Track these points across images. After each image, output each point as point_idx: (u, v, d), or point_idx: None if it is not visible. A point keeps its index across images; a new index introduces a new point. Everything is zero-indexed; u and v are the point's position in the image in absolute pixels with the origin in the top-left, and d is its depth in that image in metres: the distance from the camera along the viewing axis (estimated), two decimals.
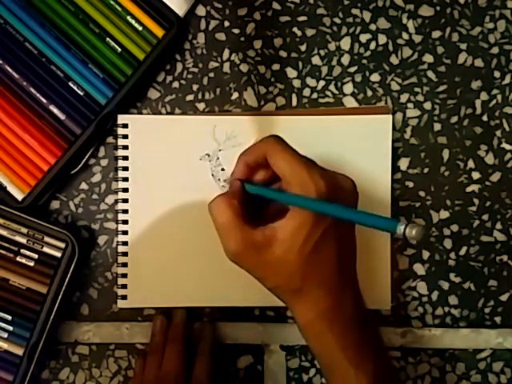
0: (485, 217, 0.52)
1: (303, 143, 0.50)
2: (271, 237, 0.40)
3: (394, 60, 0.52)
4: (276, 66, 0.52)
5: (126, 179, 0.50)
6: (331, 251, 0.40)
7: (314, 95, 0.52)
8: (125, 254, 0.50)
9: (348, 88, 0.52)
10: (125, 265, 0.50)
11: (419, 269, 0.52)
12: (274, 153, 0.41)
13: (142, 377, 0.49)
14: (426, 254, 0.52)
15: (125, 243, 0.50)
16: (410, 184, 0.52)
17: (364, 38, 0.52)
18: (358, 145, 0.50)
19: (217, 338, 0.52)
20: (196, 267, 0.50)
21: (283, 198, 0.41)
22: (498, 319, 0.52)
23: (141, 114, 0.52)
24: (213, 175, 0.50)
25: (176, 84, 0.52)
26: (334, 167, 0.50)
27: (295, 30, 0.52)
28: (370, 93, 0.52)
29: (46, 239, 0.49)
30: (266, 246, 0.40)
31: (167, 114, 0.52)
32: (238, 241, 0.40)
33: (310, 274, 0.40)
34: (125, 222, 0.50)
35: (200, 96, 0.52)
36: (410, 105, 0.52)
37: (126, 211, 0.50)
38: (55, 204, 0.52)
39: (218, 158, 0.50)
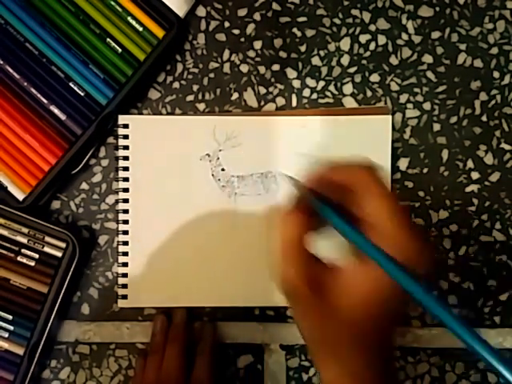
0: (484, 217, 0.52)
1: (303, 143, 0.51)
2: (334, 283, 0.34)
3: (394, 60, 0.52)
4: (276, 67, 0.52)
5: (126, 179, 0.50)
6: (385, 328, 0.35)
7: (314, 95, 0.52)
8: (125, 253, 0.50)
9: (348, 88, 0.52)
10: (125, 264, 0.50)
11: None
12: (369, 195, 0.34)
13: (142, 377, 0.49)
14: None
15: (125, 243, 0.50)
16: (410, 184, 0.52)
17: (364, 38, 0.52)
18: (357, 145, 0.51)
19: (217, 338, 0.52)
20: (196, 267, 0.51)
21: (365, 246, 0.33)
22: (497, 319, 0.52)
23: (141, 114, 0.52)
24: (213, 175, 0.50)
25: (176, 84, 0.52)
26: None
27: (295, 30, 0.52)
28: (369, 93, 0.52)
29: (47, 239, 0.49)
30: (328, 288, 0.34)
31: (167, 114, 0.52)
32: (297, 268, 0.34)
33: (353, 341, 0.34)
34: (125, 221, 0.50)
35: (200, 96, 0.52)
36: (410, 105, 0.52)
37: (126, 211, 0.50)
38: (56, 204, 0.52)
39: (218, 158, 0.50)
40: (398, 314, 0.35)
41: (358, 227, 0.34)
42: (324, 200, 0.35)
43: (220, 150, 0.50)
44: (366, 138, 0.50)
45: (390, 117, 0.51)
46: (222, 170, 0.50)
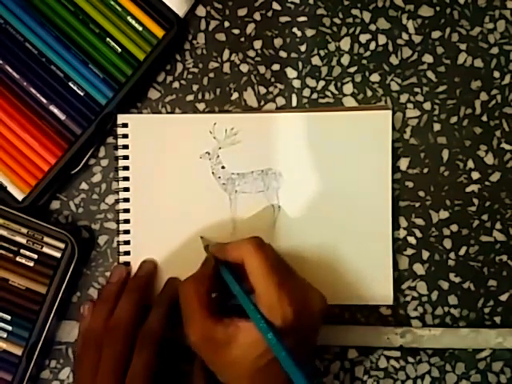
0: (484, 217, 0.52)
1: (303, 141, 0.51)
2: (232, 337, 0.41)
3: (394, 60, 0.52)
4: (276, 67, 0.52)
5: (126, 178, 0.50)
6: (281, 372, 0.40)
7: (314, 95, 0.52)
8: (127, 253, 0.50)
9: (348, 88, 0.52)
10: (127, 264, 0.50)
11: (419, 269, 0.52)
12: (250, 261, 0.42)
13: (88, 322, 0.48)
14: (425, 254, 0.52)
15: (127, 242, 0.50)
16: (410, 184, 0.52)
17: (364, 38, 0.52)
18: (357, 142, 0.50)
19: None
20: (197, 266, 0.50)
21: (248, 309, 0.41)
22: (497, 319, 0.52)
23: (141, 114, 0.52)
24: (213, 173, 0.50)
25: (176, 84, 0.52)
26: (334, 167, 0.50)
27: (295, 30, 0.52)
28: (369, 93, 0.52)
29: (46, 239, 0.49)
30: (225, 344, 0.41)
31: (167, 114, 0.52)
32: (198, 333, 0.41)
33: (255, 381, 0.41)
34: (126, 221, 0.50)
35: (200, 96, 0.52)
36: (410, 105, 0.52)
37: (127, 210, 0.50)
38: (55, 204, 0.52)
39: (218, 156, 0.50)
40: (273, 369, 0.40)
41: (247, 292, 0.42)
42: (228, 267, 0.44)
43: (220, 148, 0.50)
44: (367, 134, 0.50)
45: (390, 112, 0.50)
46: (222, 167, 0.50)
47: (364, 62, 0.52)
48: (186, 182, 0.50)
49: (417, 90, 0.52)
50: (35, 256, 0.49)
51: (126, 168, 0.50)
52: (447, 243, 0.52)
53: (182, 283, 0.44)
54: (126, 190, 0.50)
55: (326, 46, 0.52)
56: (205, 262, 0.46)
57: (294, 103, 0.52)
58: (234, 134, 0.50)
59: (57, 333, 0.52)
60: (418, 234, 0.52)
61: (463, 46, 0.52)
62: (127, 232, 0.50)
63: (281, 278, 0.42)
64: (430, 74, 0.52)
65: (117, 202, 0.51)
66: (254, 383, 0.41)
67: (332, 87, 0.52)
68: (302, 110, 0.51)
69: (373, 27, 0.52)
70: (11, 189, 0.49)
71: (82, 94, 0.50)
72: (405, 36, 0.52)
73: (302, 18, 0.52)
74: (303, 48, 0.52)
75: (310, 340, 0.44)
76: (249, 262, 0.42)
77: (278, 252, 0.45)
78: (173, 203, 0.50)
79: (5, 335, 0.49)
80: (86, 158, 0.51)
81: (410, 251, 0.52)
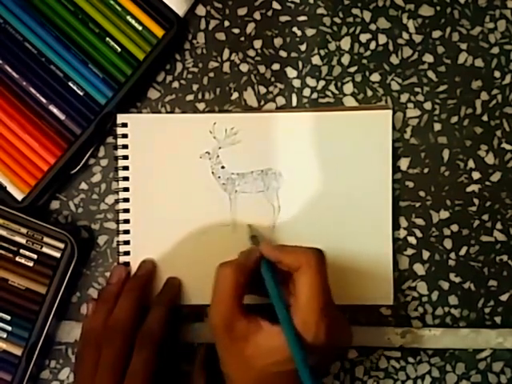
0: (485, 217, 0.52)
1: (303, 141, 0.51)
2: (252, 334, 0.41)
3: (394, 60, 0.52)
4: (276, 66, 0.52)
5: (126, 178, 0.50)
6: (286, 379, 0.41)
7: (314, 95, 0.52)
8: (127, 253, 0.50)
9: (348, 88, 0.52)
10: (127, 264, 0.50)
11: (419, 269, 0.52)
12: (308, 272, 0.41)
13: (89, 321, 0.48)
14: (426, 254, 0.52)
15: (127, 242, 0.50)
16: (410, 184, 0.52)
17: (364, 37, 0.52)
18: (357, 142, 0.50)
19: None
20: (198, 265, 0.50)
21: (281, 315, 0.41)
22: (498, 319, 0.52)
23: (141, 113, 0.52)
24: (213, 173, 0.50)
25: (176, 84, 0.52)
26: (334, 166, 0.50)
27: (295, 29, 0.52)
28: (370, 93, 0.52)
29: (46, 239, 0.49)
30: (242, 338, 0.41)
31: (167, 113, 0.52)
32: (221, 317, 0.41)
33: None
34: (126, 221, 0.50)
35: (200, 96, 0.52)
36: (410, 105, 0.52)
37: (127, 210, 0.50)
38: (55, 204, 0.52)
39: (218, 156, 0.50)
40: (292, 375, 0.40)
41: (284, 297, 0.42)
42: (269, 266, 0.43)
43: (220, 148, 0.50)
44: (367, 134, 0.50)
45: (390, 112, 0.50)
46: (222, 167, 0.50)
47: (364, 61, 0.52)
48: (185, 182, 0.50)
49: (417, 89, 0.52)
50: (35, 256, 0.49)
51: (125, 168, 0.50)
52: (447, 243, 0.52)
53: (222, 266, 0.43)
54: (126, 190, 0.50)
55: (326, 45, 0.52)
56: (249, 253, 0.45)
57: (294, 103, 0.52)
58: (234, 134, 0.50)
59: (56, 333, 0.52)
60: (419, 233, 0.52)
61: (464, 46, 0.52)
62: (127, 232, 0.50)
63: (326, 300, 0.41)
64: (430, 74, 0.52)
65: (117, 202, 0.51)
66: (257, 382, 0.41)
67: (332, 87, 0.52)
68: (302, 110, 0.51)
69: (373, 27, 0.52)
70: (11, 189, 0.49)
71: (81, 93, 0.49)
72: (405, 35, 0.52)
73: (302, 18, 0.52)
74: (303, 47, 0.52)
75: (323, 366, 0.45)
76: (306, 272, 0.41)
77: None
78: (173, 203, 0.50)
79: (5, 335, 0.49)
80: (85, 158, 0.51)
81: (410, 251, 0.52)
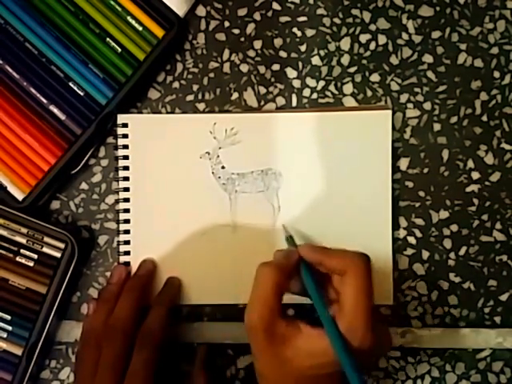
0: (484, 217, 0.52)
1: (303, 141, 0.51)
2: (291, 337, 0.40)
3: (394, 60, 0.52)
4: (276, 66, 0.52)
5: (126, 178, 0.50)
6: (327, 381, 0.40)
7: (314, 95, 0.52)
8: (127, 252, 0.50)
9: (348, 88, 0.52)
10: (127, 264, 0.50)
11: (419, 269, 0.52)
12: (356, 276, 0.40)
13: (90, 321, 0.48)
14: (425, 254, 0.52)
15: (127, 242, 0.50)
16: (410, 184, 0.52)
17: (364, 38, 0.52)
18: (357, 142, 0.50)
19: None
20: (198, 265, 0.51)
21: (323, 319, 0.40)
22: (497, 319, 0.52)
23: (141, 113, 0.52)
24: (213, 173, 0.50)
25: (176, 84, 0.52)
26: (334, 167, 0.50)
27: (295, 30, 0.52)
28: (369, 93, 0.52)
29: (46, 239, 0.49)
30: (281, 340, 0.40)
31: (167, 113, 0.52)
32: (260, 318, 0.40)
33: None
34: (126, 221, 0.50)
35: (200, 96, 0.52)
36: (410, 105, 0.52)
37: (127, 210, 0.50)
38: (55, 204, 0.52)
39: (218, 156, 0.50)
40: (332, 379, 0.40)
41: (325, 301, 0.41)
42: (308, 268, 0.43)
43: (220, 148, 0.50)
44: (367, 134, 0.50)
45: (390, 112, 0.50)
46: (222, 167, 0.50)
47: (364, 61, 0.52)
48: (186, 182, 0.50)
49: (417, 89, 0.52)
50: (35, 256, 0.49)
51: (126, 168, 0.50)
52: (447, 243, 0.52)
53: (263, 265, 0.42)
54: (126, 190, 0.50)
55: (326, 45, 0.52)
56: (287, 254, 0.44)
57: (294, 103, 0.52)
58: (234, 134, 0.50)
59: (57, 333, 0.52)
60: (418, 233, 0.52)
61: (463, 46, 0.52)
62: (127, 232, 0.50)
63: (372, 305, 0.40)
64: (430, 74, 0.52)
65: (117, 202, 0.51)
66: None
67: (332, 87, 0.52)
68: (302, 110, 0.51)
69: (373, 27, 0.52)
70: (11, 189, 0.49)
71: (82, 93, 0.50)
72: (405, 36, 0.52)
73: (302, 18, 0.52)
74: (303, 48, 0.52)
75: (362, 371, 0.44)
76: (354, 276, 0.40)
77: None
78: (173, 203, 0.51)
79: (5, 335, 0.49)
80: (86, 158, 0.51)
81: (409, 251, 0.52)
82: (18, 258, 0.49)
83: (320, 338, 0.39)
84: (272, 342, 0.40)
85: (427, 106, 0.52)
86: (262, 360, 0.41)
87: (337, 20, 0.52)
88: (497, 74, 0.52)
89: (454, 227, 0.52)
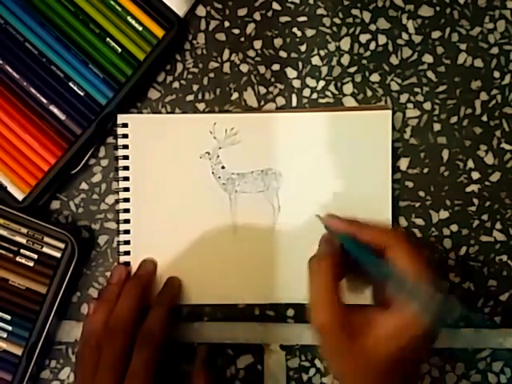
0: (484, 217, 0.52)
1: (302, 141, 0.51)
2: (368, 326, 0.38)
3: (394, 60, 0.52)
4: (276, 66, 0.52)
5: (126, 178, 0.50)
6: (414, 363, 0.39)
7: (314, 95, 0.52)
8: (127, 252, 0.50)
9: (348, 88, 0.52)
10: (127, 264, 0.50)
11: None
12: (399, 250, 0.39)
13: (89, 321, 0.48)
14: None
15: (127, 242, 0.50)
16: (410, 184, 0.52)
17: (364, 38, 0.52)
18: (357, 142, 0.50)
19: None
20: (198, 265, 0.51)
21: (392, 277, 0.38)
22: (497, 319, 0.52)
23: (141, 113, 0.52)
24: (213, 173, 0.50)
25: (176, 84, 0.52)
26: (334, 167, 0.50)
27: (295, 30, 0.52)
28: (369, 93, 0.52)
29: (46, 239, 0.49)
30: (359, 333, 0.38)
31: (167, 113, 0.52)
32: (333, 315, 0.38)
33: (385, 376, 0.38)
34: (126, 221, 0.50)
35: (200, 96, 0.52)
36: (410, 105, 0.52)
37: (127, 210, 0.50)
38: (55, 204, 0.52)
39: (218, 156, 0.50)
40: (420, 354, 0.39)
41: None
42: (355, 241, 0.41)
43: (220, 148, 0.50)
44: (367, 134, 0.50)
45: (390, 112, 0.50)
46: (222, 167, 0.50)
47: (364, 61, 0.52)
48: (186, 182, 0.50)
49: (417, 89, 0.52)
50: (35, 256, 0.49)
51: (126, 168, 0.50)
52: (447, 243, 0.52)
53: (316, 260, 0.41)
54: (126, 190, 0.50)
55: (326, 45, 0.52)
56: (328, 241, 0.43)
57: (294, 103, 0.52)
58: (234, 134, 0.50)
59: (57, 333, 0.52)
60: (418, 233, 0.52)
61: (463, 46, 0.52)
62: (127, 232, 0.50)
63: (431, 266, 0.39)
64: (430, 74, 0.52)
65: (117, 202, 0.51)
66: (382, 376, 0.38)
67: (332, 87, 0.52)
68: (302, 110, 0.51)
69: (373, 27, 0.52)
70: (11, 189, 0.49)
71: (82, 94, 0.50)
72: (405, 36, 0.52)
73: (302, 18, 0.52)
74: (303, 48, 0.52)
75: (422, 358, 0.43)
76: (398, 250, 0.39)
77: None
78: (173, 203, 0.51)
79: (5, 335, 0.49)
80: (86, 158, 0.51)
81: None
82: (17, 258, 0.49)
83: (395, 314, 0.38)
84: (351, 337, 0.38)
85: (427, 105, 0.52)
86: (343, 360, 0.39)
87: (337, 20, 0.52)
88: (497, 74, 0.52)
89: (454, 227, 0.52)
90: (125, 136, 0.50)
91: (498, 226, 0.52)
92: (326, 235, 0.44)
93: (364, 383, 0.38)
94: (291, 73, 0.52)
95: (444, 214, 0.52)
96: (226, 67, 0.52)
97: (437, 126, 0.52)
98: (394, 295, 0.38)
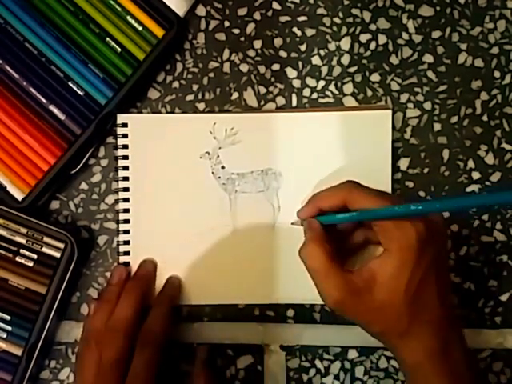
0: (485, 217, 0.52)
1: (303, 141, 0.51)
2: (371, 280, 0.40)
3: (394, 60, 0.52)
4: (276, 66, 0.52)
5: (126, 178, 0.50)
6: (434, 287, 0.40)
7: (314, 95, 0.52)
8: (127, 253, 0.50)
9: (348, 88, 0.52)
10: (127, 264, 0.50)
11: None
12: (358, 198, 0.41)
13: (90, 322, 0.48)
14: None
15: (126, 242, 0.50)
16: (410, 184, 0.52)
17: (364, 38, 0.52)
18: (357, 142, 0.50)
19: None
20: (198, 265, 0.50)
21: (382, 210, 0.40)
22: (498, 319, 0.52)
23: (141, 113, 0.52)
24: (213, 173, 0.50)
25: (176, 84, 0.52)
26: (334, 166, 0.50)
27: (295, 30, 0.52)
28: (370, 93, 0.52)
29: (46, 239, 0.49)
30: (367, 290, 0.40)
31: (167, 113, 0.52)
32: (340, 287, 0.39)
33: (417, 314, 0.40)
34: (126, 221, 0.50)
35: (200, 96, 0.52)
36: (410, 105, 0.52)
37: (127, 210, 0.50)
38: (55, 204, 0.52)
39: (218, 156, 0.50)
40: (432, 278, 0.40)
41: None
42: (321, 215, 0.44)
43: (220, 148, 0.50)
44: (367, 134, 0.50)
45: (390, 112, 0.50)
46: (222, 167, 0.50)
47: (364, 61, 0.52)
48: (185, 182, 0.50)
49: (417, 89, 0.52)
50: (35, 256, 0.49)
51: (125, 168, 0.50)
52: (447, 243, 0.52)
53: (304, 248, 0.42)
54: (126, 190, 0.50)
55: (326, 45, 0.52)
56: (309, 225, 0.44)
57: (294, 103, 0.52)
58: (234, 134, 0.50)
59: (56, 333, 0.52)
60: None
61: (463, 46, 0.52)
62: (127, 232, 0.50)
63: (395, 198, 0.41)
64: (430, 74, 0.52)
65: (116, 202, 0.51)
66: (412, 314, 0.39)
67: (332, 87, 0.52)
68: (302, 110, 0.51)
69: (373, 27, 0.52)
70: (11, 189, 0.49)
71: (81, 93, 0.49)
72: (405, 36, 0.52)
73: (302, 18, 0.52)
74: (303, 48, 0.52)
75: (443, 257, 0.43)
76: (356, 198, 0.41)
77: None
78: (173, 203, 0.50)
79: (4, 335, 0.49)
80: (85, 158, 0.51)
81: None
82: (17, 258, 0.49)
83: (387, 256, 0.39)
84: (363, 298, 0.39)
85: (427, 105, 0.52)
86: (369, 320, 0.41)
87: (337, 20, 0.52)
88: (497, 74, 0.52)
89: (455, 227, 0.52)
90: (124, 136, 0.50)
91: (499, 226, 0.52)
92: (305, 225, 0.45)
93: (398, 327, 0.40)
94: (291, 73, 0.52)
95: (444, 214, 0.52)
96: (226, 67, 0.52)
97: (437, 126, 0.52)
98: (379, 238, 0.41)
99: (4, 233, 0.49)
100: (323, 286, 0.40)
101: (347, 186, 0.43)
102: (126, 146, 0.50)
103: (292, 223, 0.48)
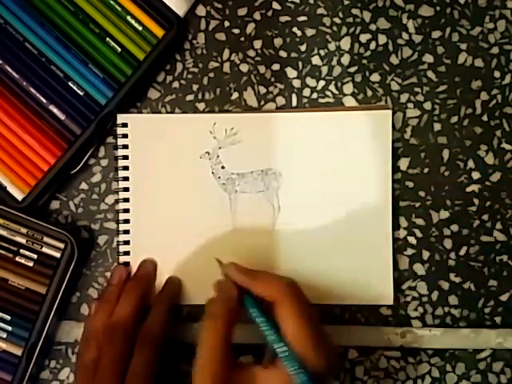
0: (485, 217, 0.52)
1: (303, 141, 0.51)
2: (254, 382, 0.39)
3: (394, 60, 0.52)
4: (276, 66, 0.52)
5: (126, 178, 0.50)
6: None
7: (314, 95, 0.52)
8: (127, 253, 0.50)
9: (348, 88, 0.52)
10: (127, 264, 0.50)
11: (419, 269, 0.52)
12: (284, 307, 0.40)
13: (90, 322, 0.48)
14: (426, 254, 0.52)
15: (126, 242, 0.50)
16: (410, 184, 0.52)
17: (364, 38, 0.52)
18: (357, 142, 0.50)
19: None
20: (197, 265, 0.50)
21: (281, 352, 0.39)
22: (498, 319, 0.52)
23: (141, 113, 0.52)
24: (213, 173, 0.50)
25: (176, 84, 0.52)
26: (334, 166, 0.50)
27: (295, 29, 0.52)
28: (370, 93, 0.52)
29: (46, 239, 0.49)
30: None
31: (167, 113, 0.52)
32: (214, 375, 0.39)
33: None
34: (126, 221, 0.50)
35: (200, 96, 0.52)
36: (410, 105, 0.52)
37: (127, 210, 0.50)
38: (55, 204, 0.52)
39: (218, 156, 0.50)
40: None
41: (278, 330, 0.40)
42: (253, 300, 0.42)
43: (220, 148, 0.50)
44: (367, 134, 0.50)
45: (390, 112, 0.50)
46: (222, 167, 0.50)
47: (364, 61, 0.52)
48: (185, 182, 0.50)
49: (417, 89, 0.52)
50: (35, 256, 0.49)
51: (125, 168, 0.50)
52: (447, 243, 0.52)
53: (208, 320, 0.41)
54: (126, 190, 0.50)
55: (326, 45, 0.52)
56: (225, 289, 0.44)
57: (294, 103, 0.52)
58: (234, 134, 0.50)
59: (56, 333, 0.52)
60: (419, 233, 0.52)
61: (463, 46, 0.52)
62: (127, 232, 0.50)
63: (313, 326, 0.40)
64: (430, 74, 0.52)
65: (116, 202, 0.51)
66: None
67: (332, 87, 0.52)
68: (302, 110, 0.51)
69: (373, 27, 0.52)
70: (11, 189, 0.49)
71: (81, 93, 0.50)
72: (405, 36, 0.52)
73: (302, 18, 0.52)
74: (303, 48, 0.52)
75: None
76: (283, 306, 0.40)
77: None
78: (173, 203, 0.50)
79: (4, 335, 0.49)
80: (85, 158, 0.51)
81: (410, 251, 0.52)
82: (17, 258, 0.49)
83: (277, 375, 0.39)
84: None
85: (427, 105, 0.52)
86: None
87: (337, 20, 0.52)
88: (497, 74, 0.52)
89: (455, 227, 0.52)
90: (124, 136, 0.50)
91: (499, 226, 0.52)
92: (222, 282, 0.45)
93: None
94: (291, 73, 0.52)
95: (444, 214, 0.52)
96: (226, 67, 0.52)
97: (437, 126, 0.52)
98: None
99: (4, 233, 0.49)
100: (204, 367, 0.39)
101: (281, 289, 0.41)
102: (125, 146, 0.50)
103: (218, 260, 0.47)
